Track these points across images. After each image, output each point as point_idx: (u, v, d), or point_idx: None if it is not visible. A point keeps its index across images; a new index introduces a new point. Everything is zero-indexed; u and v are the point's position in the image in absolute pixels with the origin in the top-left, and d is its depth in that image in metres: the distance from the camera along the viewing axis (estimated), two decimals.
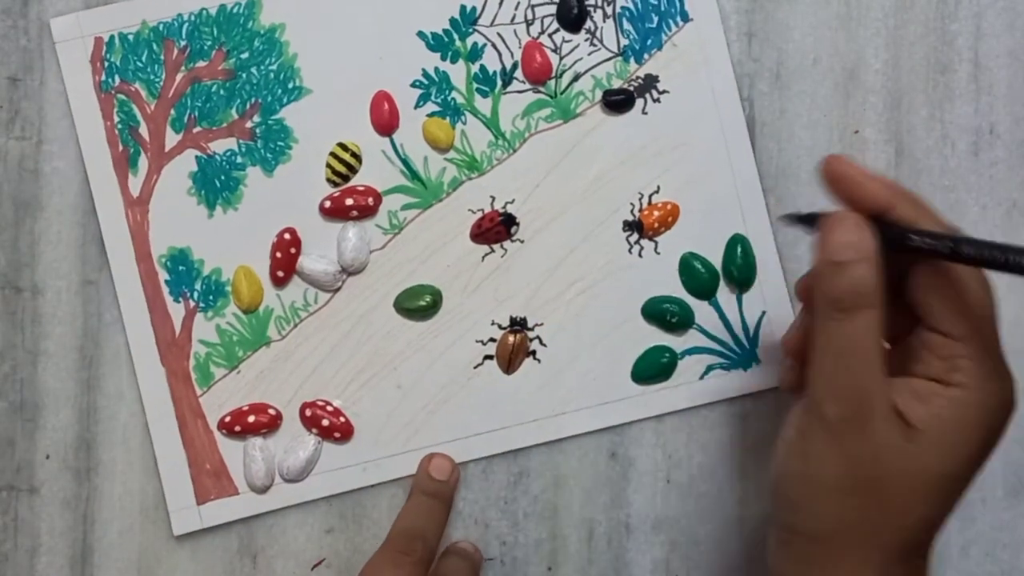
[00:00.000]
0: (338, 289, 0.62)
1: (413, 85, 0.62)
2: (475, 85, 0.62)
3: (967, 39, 0.63)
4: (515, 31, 0.62)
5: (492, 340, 0.62)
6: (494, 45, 0.62)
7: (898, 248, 0.48)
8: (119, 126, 0.61)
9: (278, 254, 0.61)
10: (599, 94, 0.62)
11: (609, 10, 0.62)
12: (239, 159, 0.62)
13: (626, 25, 0.62)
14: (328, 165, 0.62)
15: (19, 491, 0.61)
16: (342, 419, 0.61)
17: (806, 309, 0.53)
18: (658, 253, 0.62)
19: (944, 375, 0.47)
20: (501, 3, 0.62)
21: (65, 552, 0.62)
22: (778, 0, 0.63)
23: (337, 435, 0.61)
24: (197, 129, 0.62)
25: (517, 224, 0.62)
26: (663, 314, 0.62)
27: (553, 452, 0.62)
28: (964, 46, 0.63)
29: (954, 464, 0.47)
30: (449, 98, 0.62)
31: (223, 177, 0.62)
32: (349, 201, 0.61)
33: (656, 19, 0.62)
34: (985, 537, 0.63)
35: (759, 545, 0.62)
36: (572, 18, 0.62)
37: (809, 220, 0.51)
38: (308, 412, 0.61)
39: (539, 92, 0.62)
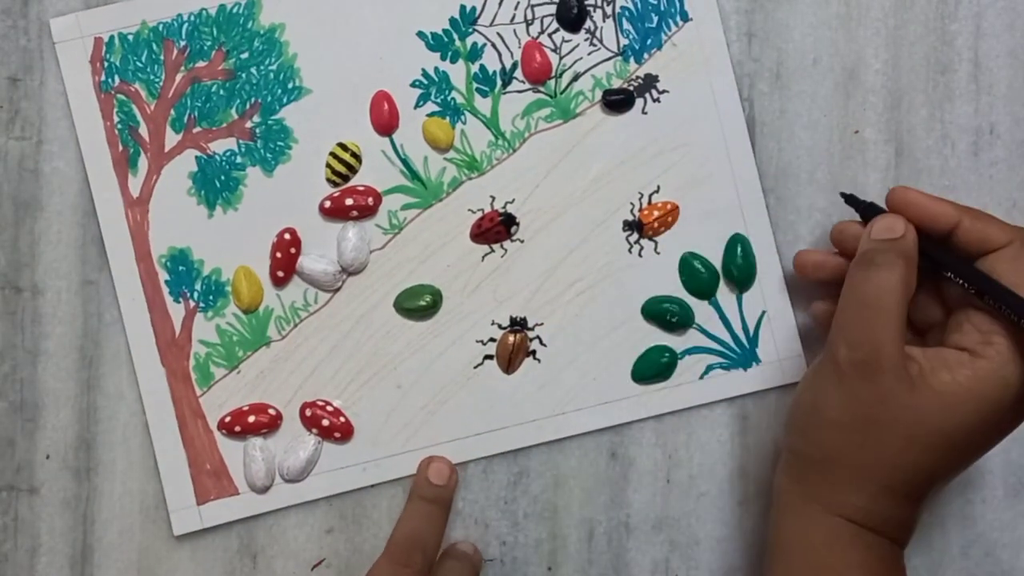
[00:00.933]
0: (338, 289, 0.62)
1: (413, 85, 0.62)
2: (475, 85, 0.62)
3: (967, 39, 0.63)
4: (515, 31, 0.62)
5: (492, 340, 0.62)
6: (494, 45, 0.62)
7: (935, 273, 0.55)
8: (119, 126, 0.61)
9: (278, 254, 0.61)
10: (599, 94, 0.62)
11: (609, 10, 0.62)
12: (239, 159, 0.62)
13: (626, 25, 0.62)
14: (328, 165, 0.62)
15: (19, 491, 0.61)
16: (342, 419, 0.61)
17: (840, 253, 0.60)
18: (658, 253, 0.62)
19: (977, 347, 0.52)
20: (501, 3, 0.62)
21: (65, 552, 0.62)
22: (778, 0, 0.63)
23: (337, 435, 0.61)
24: (197, 129, 0.62)
25: (517, 224, 0.62)
26: (663, 314, 0.62)
27: (553, 452, 0.62)
28: (964, 46, 0.63)
29: (956, 426, 0.51)
30: (449, 98, 0.62)
31: (223, 177, 0.62)
32: (349, 201, 0.61)
33: (656, 19, 0.62)
34: (985, 537, 0.63)
35: (759, 545, 0.62)
36: (572, 18, 0.62)
37: (864, 209, 0.58)
38: (308, 412, 0.61)
39: (539, 92, 0.62)
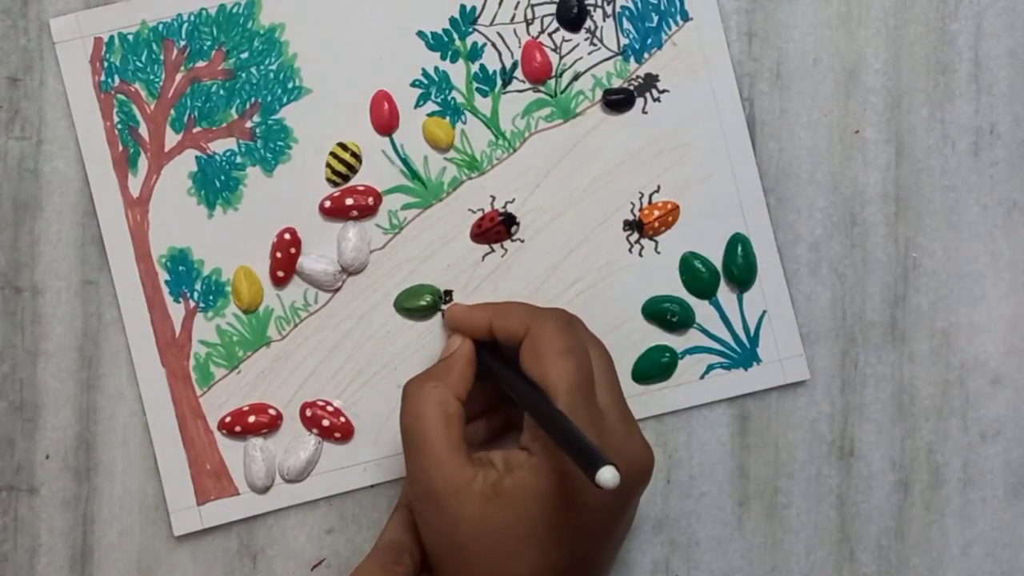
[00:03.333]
0: (338, 289, 0.62)
1: (413, 85, 0.62)
2: (475, 84, 0.62)
3: (967, 39, 0.63)
4: (515, 30, 0.62)
5: None
6: (494, 44, 0.62)
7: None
8: (119, 126, 0.61)
9: (278, 254, 0.61)
10: (599, 93, 0.62)
11: (609, 9, 0.62)
12: (239, 159, 0.62)
13: (626, 24, 0.62)
14: (328, 165, 0.61)
15: (19, 491, 0.61)
16: (342, 419, 0.61)
17: None
18: (658, 253, 0.62)
19: (529, 443, 0.51)
20: (501, 2, 0.62)
21: (65, 552, 0.61)
22: (778, 0, 0.63)
23: (337, 435, 0.61)
24: (197, 129, 0.62)
25: (517, 224, 0.62)
26: (663, 313, 0.62)
27: None
28: (964, 46, 0.63)
29: (527, 525, 0.50)
30: (449, 98, 0.62)
31: (223, 177, 0.62)
32: (349, 201, 0.61)
33: (656, 18, 0.62)
34: (985, 537, 0.63)
35: (759, 545, 0.62)
36: (572, 17, 0.62)
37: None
38: (308, 412, 0.61)
39: (539, 91, 0.62)
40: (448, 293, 0.62)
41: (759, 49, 0.63)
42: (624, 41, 0.62)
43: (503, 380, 0.55)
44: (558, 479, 0.50)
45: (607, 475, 0.44)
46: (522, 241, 0.62)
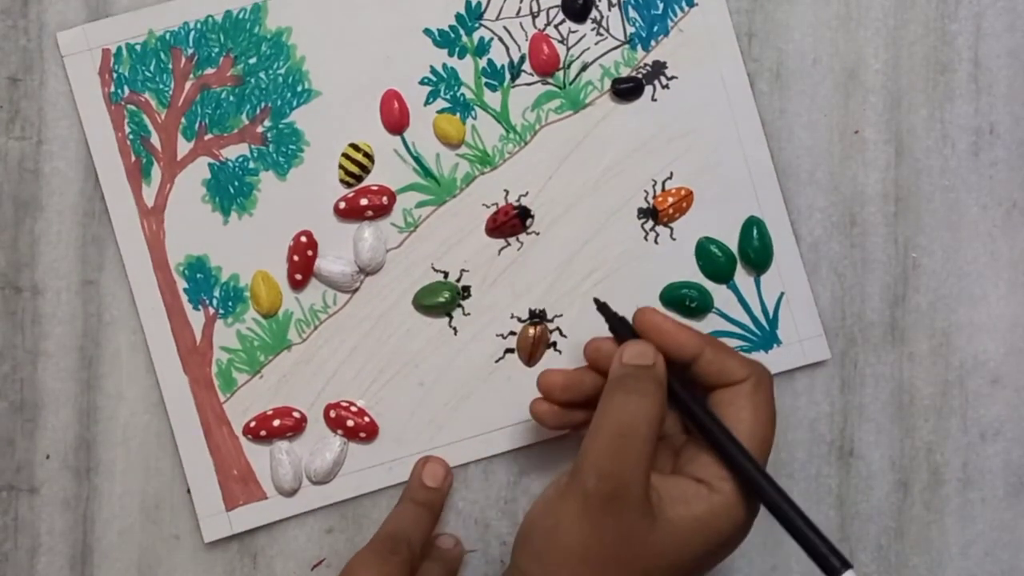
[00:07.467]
0: (356, 289, 0.62)
1: (422, 82, 0.62)
2: (483, 80, 0.62)
3: (967, 39, 0.64)
4: (521, 24, 0.62)
5: (512, 333, 0.62)
6: (501, 39, 0.62)
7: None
8: (130, 137, 0.61)
9: (295, 257, 0.61)
10: (608, 83, 0.62)
11: None
12: (252, 164, 0.62)
13: (631, 13, 0.63)
14: (341, 166, 0.62)
15: (19, 491, 0.61)
16: (366, 419, 0.61)
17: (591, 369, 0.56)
18: (674, 239, 0.62)
19: (714, 480, 0.51)
20: None
21: (65, 552, 0.61)
22: (778, 0, 0.63)
23: (362, 435, 0.61)
24: (208, 136, 0.61)
25: (532, 216, 0.62)
26: (682, 299, 0.62)
27: (554, 452, 0.62)
28: (964, 46, 0.64)
29: (689, 558, 0.51)
30: (458, 94, 0.62)
31: (236, 183, 0.61)
32: (363, 201, 0.61)
33: (661, 5, 0.62)
34: (985, 537, 0.63)
35: (759, 545, 0.62)
36: (577, 8, 0.62)
37: (614, 323, 0.56)
38: (332, 413, 0.61)
39: (548, 84, 0.62)
40: (466, 289, 0.62)
41: (759, 49, 0.63)
42: (630, 30, 0.63)
43: (691, 414, 0.53)
44: (732, 523, 0.51)
45: None
46: (537, 234, 0.62)
